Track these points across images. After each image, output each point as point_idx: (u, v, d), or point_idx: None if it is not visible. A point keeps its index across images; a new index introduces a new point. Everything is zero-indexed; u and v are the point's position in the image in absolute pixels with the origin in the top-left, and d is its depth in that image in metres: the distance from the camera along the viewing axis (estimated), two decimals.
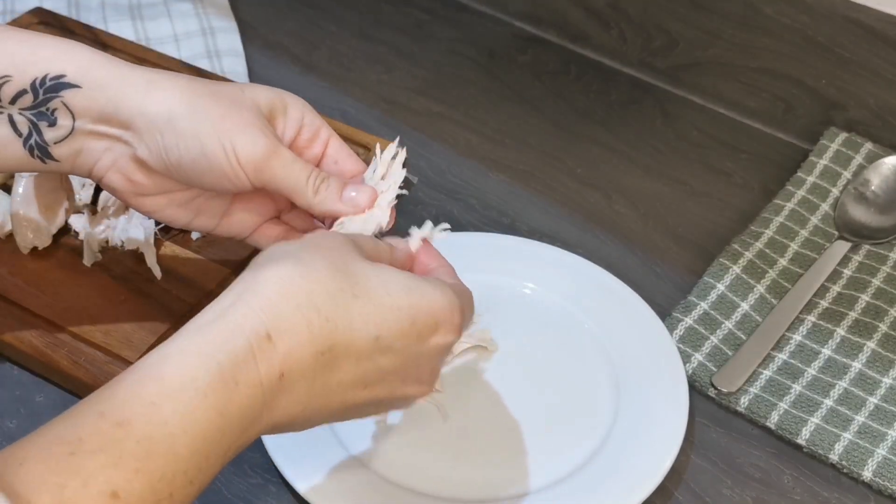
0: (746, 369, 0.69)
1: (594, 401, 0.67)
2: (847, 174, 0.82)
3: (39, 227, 0.72)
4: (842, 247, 0.77)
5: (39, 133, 0.57)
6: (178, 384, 0.45)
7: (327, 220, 0.61)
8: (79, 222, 0.73)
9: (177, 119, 0.56)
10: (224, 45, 0.94)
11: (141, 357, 0.65)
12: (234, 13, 0.99)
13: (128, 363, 0.66)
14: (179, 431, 0.45)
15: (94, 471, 0.43)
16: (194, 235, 0.74)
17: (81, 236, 0.73)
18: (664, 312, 0.73)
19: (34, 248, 0.73)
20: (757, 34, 0.86)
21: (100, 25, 0.94)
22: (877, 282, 0.75)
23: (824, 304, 0.74)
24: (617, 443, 0.64)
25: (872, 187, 0.81)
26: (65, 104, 0.57)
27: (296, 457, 0.63)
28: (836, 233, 0.79)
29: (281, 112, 0.61)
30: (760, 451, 0.67)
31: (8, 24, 0.91)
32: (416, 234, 0.58)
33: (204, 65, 0.91)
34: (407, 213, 0.80)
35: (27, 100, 0.57)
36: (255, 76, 0.93)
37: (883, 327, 0.72)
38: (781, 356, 0.70)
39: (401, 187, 0.61)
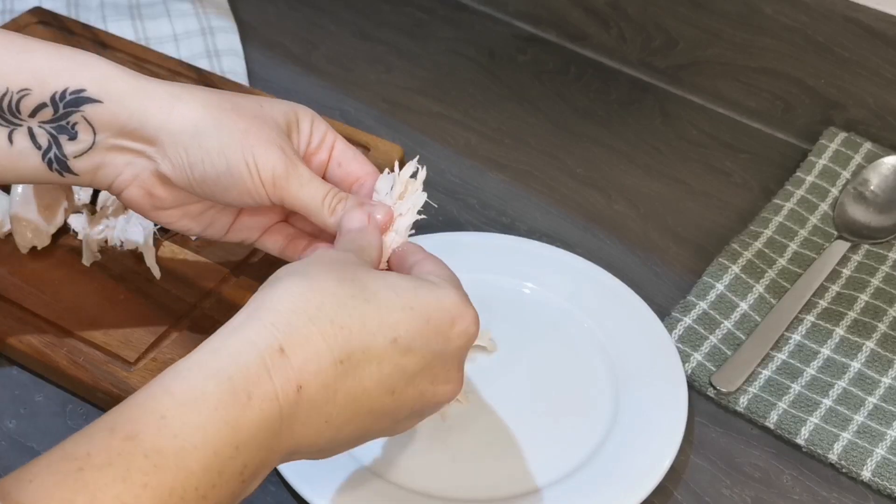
0: (746, 369, 0.69)
1: (593, 400, 0.67)
2: (846, 174, 0.82)
3: (38, 226, 0.72)
4: (841, 246, 0.77)
5: (59, 146, 0.57)
6: (188, 398, 0.45)
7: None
8: (78, 222, 0.73)
9: (202, 135, 0.56)
10: (223, 45, 0.94)
11: (141, 357, 0.66)
12: (234, 13, 0.99)
13: (127, 363, 0.66)
14: (190, 446, 0.44)
15: (102, 485, 0.42)
16: (194, 235, 0.74)
17: (80, 236, 0.73)
18: (663, 312, 0.73)
19: (33, 248, 0.73)
20: (756, 34, 0.86)
21: (99, 25, 0.94)
22: (876, 281, 0.75)
23: (823, 303, 0.74)
24: (616, 442, 0.64)
25: (872, 187, 0.81)
26: (85, 118, 0.56)
27: None
28: (836, 232, 0.79)
29: (295, 126, 0.61)
30: (760, 450, 0.67)
31: (7, 24, 0.91)
32: (402, 221, 0.58)
33: (203, 64, 0.91)
34: None
35: (47, 113, 0.56)
36: (254, 76, 0.93)
37: (882, 327, 0.72)
38: (781, 356, 0.70)
39: (419, 211, 0.60)
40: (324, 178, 0.61)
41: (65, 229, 0.74)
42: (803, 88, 0.86)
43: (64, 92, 0.56)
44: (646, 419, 0.65)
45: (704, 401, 0.69)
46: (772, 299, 0.74)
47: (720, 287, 0.74)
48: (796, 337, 0.71)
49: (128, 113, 0.56)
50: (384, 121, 0.89)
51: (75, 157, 0.57)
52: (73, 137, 0.57)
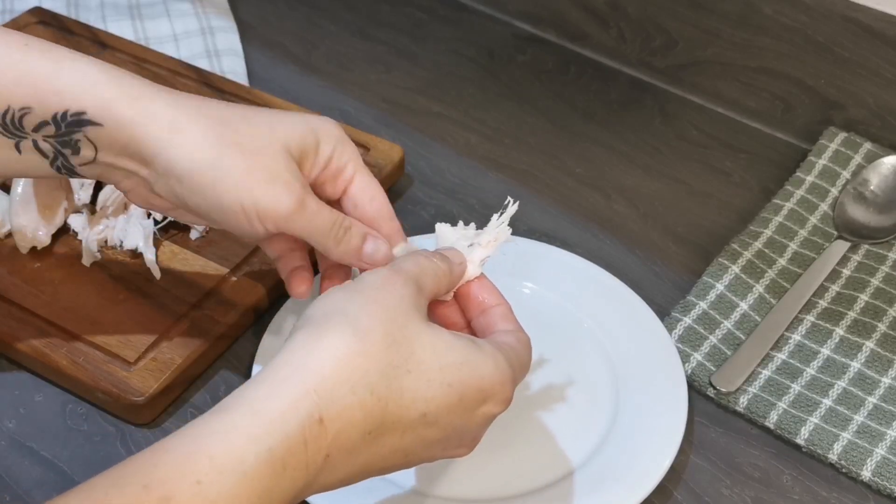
0: (745, 369, 0.69)
1: (593, 400, 0.67)
2: (846, 174, 0.82)
3: (38, 226, 0.72)
4: (841, 246, 0.77)
5: (65, 158, 0.57)
6: (225, 465, 0.45)
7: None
8: (78, 222, 0.73)
9: (196, 171, 0.54)
10: (223, 45, 0.94)
11: (141, 357, 0.66)
12: (234, 13, 0.99)
13: (127, 363, 0.66)
14: None
15: None
16: (193, 235, 0.74)
17: (80, 236, 0.73)
18: (663, 312, 0.73)
19: (33, 248, 0.73)
20: (756, 34, 0.86)
21: (99, 25, 0.94)
22: (876, 281, 0.75)
23: (823, 303, 0.74)
24: (616, 442, 0.64)
25: (871, 187, 0.81)
26: (87, 138, 0.56)
27: None
28: (836, 232, 0.79)
29: (312, 151, 0.58)
30: (759, 450, 0.67)
31: (7, 23, 0.91)
32: (479, 252, 0.58)
33: (203, 64, 0.91)
34: (406, 213, 0.80)
35: (50, 130, 0.56)
36: (254, 76, 0.93)
37: (882, 327, 0.72)
38: (780, 356, 0.70)
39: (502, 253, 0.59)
40: (336, 203, 0.60)
41: (65, 229, 0.74)
42: (803, 88, 0.86)
43: (65, 113, 0.55)
44: (646, 419, 0.65)
45: (704, 401, 0.69)
46: (772, 299, 0.74)
47: (720, 287, 0.74)
48: (796, 337, 0.72)
49: (127, 137, 0.55)
50: (384, 121, 0.89)
51: (81, 165, 0.57)
52: (76, 152, 0.56)
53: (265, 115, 0.58)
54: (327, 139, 0.59)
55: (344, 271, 0.62)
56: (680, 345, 0.70)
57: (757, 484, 0.65)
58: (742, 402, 0.68)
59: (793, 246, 0.78)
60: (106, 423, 0.66)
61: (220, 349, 0.70)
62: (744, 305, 0.73)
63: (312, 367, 0.48)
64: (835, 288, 0.75)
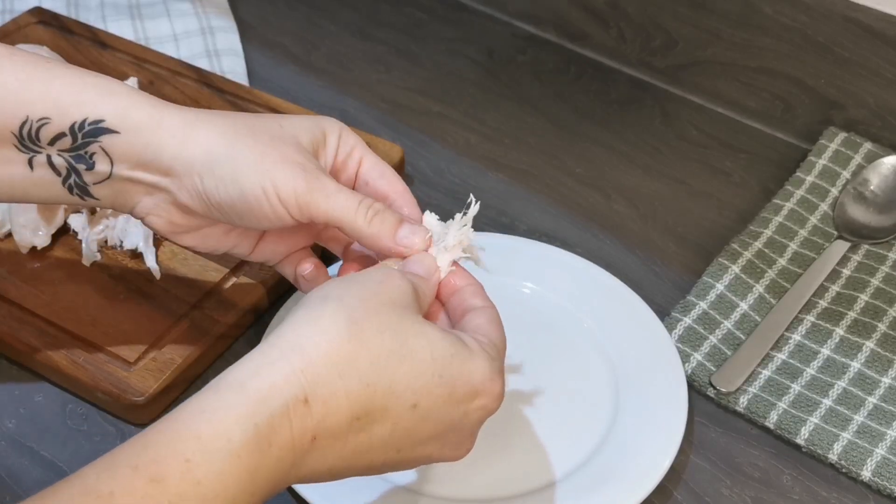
0: (745, 369, 0.69)
1: (593, 400, 0.67)
2: (846, 174, 0.82)
3: (38, 226, 0.72)
4: (841, 246, 0.77)
5: (78, 174, 0.57)
6: (213, 443, 0.45)
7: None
8: (78, 222, 0.73)
9: (215, 162, 0.55)
10: (223, 45, 0.94)
11: (141, 357, 0.66)
12: (234, 12, 0.99)
13: (127, 363, 0.66)
14: (212, 493, 0.44)
15: None
16: None
17: (80, 236, 0.73)
18: (663, 312, 0.73)
19: (33, 248, 0.73)
20: (756, 34, 0.86)
21: (99, 25, 0.94)
22: (876, 281, 0.75)
23: (823, 303, 0.74)
24: (616, 442, 0.64)
25: (871, 187, 0.81)
26: (103, 149, 0.56)
27: None
28: (836, 232, 0.79)
29: (322, 143, 0.59)
30: (759, 450, 0.67)
31: (7, 23, 0.91)
32: (447, 253, 0.57)
33: (203, 64, 0.91)
34: None
35: (66, 143, 0.56)
36: (254, 76, 0.93)
37: (882, 327, 0.72)
38: (780, 356, 0.70)
39: (467, 256, 0.59)
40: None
41: (65, 229, 0.74)
42: (803, 88, 0.86)
43: (83, 122, 0.55)
44: (646, 419, 0.65)
45: (704, 401, 0.69)
46: (772, 299, 0.74)
47: (720, 287, 0.74)
48: (796, 337, 0.72)
49: (144, 144, 0.56)
50: (384, 121, 0.89)
51: (95, 184, 0.57)
52: (90, 168, 0.56)
53: (275, 116, 0.60)
54: (331, 130, 0.60)
55: (364, 266, 0.62)
56: (680, 345, 0.70)
57: (757, 484, 0.65)
58: (742, 402, 0.68)
59: (793, 246, 0.78)
60: (106, 423, 0.66)
61: (220, 349, 0.70)
62: (744, 305, 0.73)
63: (302, 350, 0.48)
64: (835, 288, 0.75)
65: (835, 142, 0.84)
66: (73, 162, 0.56)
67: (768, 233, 0.78)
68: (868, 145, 0.84)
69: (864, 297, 0.74)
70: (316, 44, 0.97)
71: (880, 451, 0.65)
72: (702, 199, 0.83)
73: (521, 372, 0.69)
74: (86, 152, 0.56)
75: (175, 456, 0.44)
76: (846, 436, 0.66)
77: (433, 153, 0.86)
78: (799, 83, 0.86)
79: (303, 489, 0.61)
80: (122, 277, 0.72)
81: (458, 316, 0.57)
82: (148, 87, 0.85)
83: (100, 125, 0.55)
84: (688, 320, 0.72)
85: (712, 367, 0.69)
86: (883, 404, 0.67)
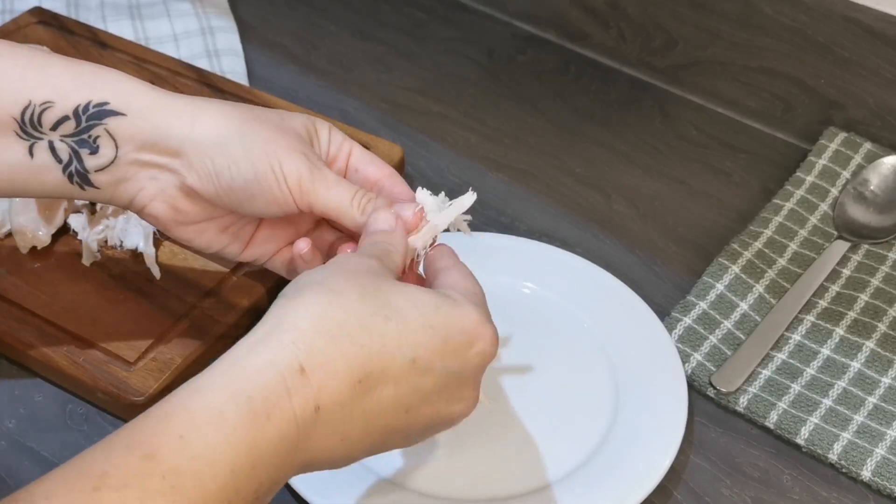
0: (745, 369, 0.69)
1: (593, 400, 0.67)
2: (846, 174, 0.82)
3: (38, 226, 0.72)
4: (841, 246, 0.77)
5: (80, 160, 0.57)
6: (207, 418, 0.45)
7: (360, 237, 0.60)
8: (78, 222, 0.73)
9: (228, 143, 0.56)
10: (223, 45, 0.94)
11: (141, 357, 0.66)
12: (234, 13, 0.99)
13: (127, 363, 0.66)
14: (207, 466, 0.44)
15: None
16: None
17: (80, 236, 0.73)
18: (663, 312, 0.73)
19: (33, 248, 0.73)
20: (756, 34, 0.86)
21: (99, 25, 0.94)
22: (876, 281, 0.75)
23: (823, 303, 0.74)
24: (616, 442, 0.64)
25: (871, 187, 0.81)
26: (108, 132, 0.56)
27: None
28: (836, 232, 0.79)
29: (315, 136, 0.61)
30: (759, 450, 0.67)
31: (7, 23, 0.91)
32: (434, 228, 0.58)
33: (203, 64, 0.91)
34: None
35: (69, 126, 0.56)
36: (254, 76, 0.93)
37: (882, 327, 0.72)
38: (780, 356, 0.70)
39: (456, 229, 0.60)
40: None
41: (65, 229, 0.74)
42: (803, 88, 0.86)
43: (87, 104, 0.56)
44: (646, 419, 0.65)
45: (704, 401, 0.69)
46: (772, 299, 0.74)
47: (720, 287, 0.74)
48: (796, 337, 0.72)
49: (151, 125, 0.56)
50: (384, 121, 0.89)
51: (97, 171, 0.57)
52: (94, 151, 0.57)
53: (271, 109, 0.61)
54: (322, 126, 0.62)
55: None
56: (680, 345, 0.70)
57: (757, 484, 0.65)
58: (742, 402, 0.68)
59: (793, 246, 0.78)
60: (106, 423, 0.66)
61: (220, 349, 0.70)
62: (744, 305, 0.73)
63: (288, 324, 0.48)
64: (835, 288, 0.75)
65: (835, 142, 0.84)
66: (75, 146, 0.56)
67: (768, 233, 0.78)
68: (868, 145, 0.84)
69: (864, 297, 0.74)
70: (316, 44, 0.97)
71: (880, 451, 0.65)
72: (702, 199, 0.83)
73: (521, 372, 0.69)
74: (90, 136, 0.56)
75: (168, 432, 0.44)
76: (846, 436, 0.66)
77: (433, 153, 0.86)
78: (799, 83, 0.86)
79: (304, 489, 0.61)
80: (122, 277, 0.72)
81: (430, 279, 0.57)
82: None
83: (105, 107, 0.56)
84: (688, 320, 0.72)
85: (712, 367, 0.69)
86: (883, 404, 0.67)
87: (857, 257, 0.77)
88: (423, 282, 0.59)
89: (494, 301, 0.72)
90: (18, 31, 0.90)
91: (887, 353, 0.70)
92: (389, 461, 0.63)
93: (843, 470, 0.65)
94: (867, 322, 0.72)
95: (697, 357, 0.70)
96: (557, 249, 0.76)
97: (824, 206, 0.81)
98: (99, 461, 0.43)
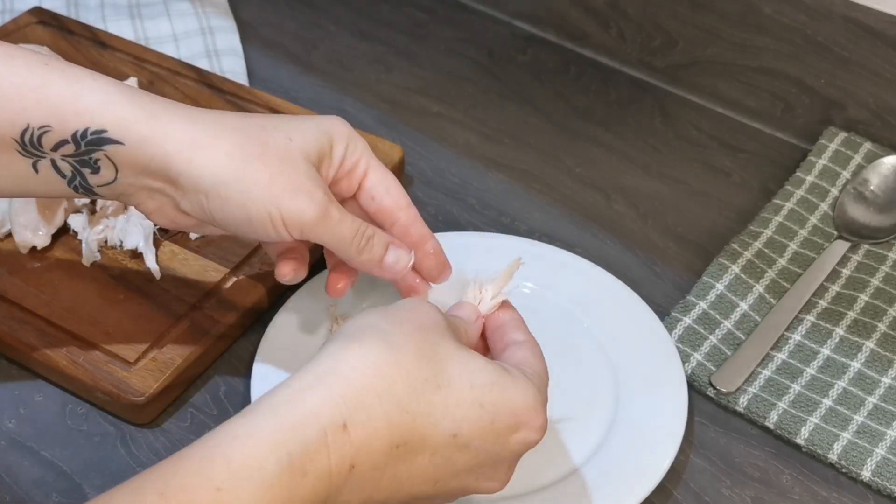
0: (745, 369, 0.69)
1: (593, 400, 0.67)
2: (846, 174, 0.82)
3: (38, 226, 0.72)
4: (841, 246, 0.77)
5: (83, 177, 0.56)
6: (245, 472, 0.44)
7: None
8: (77, 222, 0.73)
9: (222, 185, 0.55)
10: (223, 45, 0.94)
11: (141, 357, 0.66)
12: (234, 13, 0.99)
13: (127, 363, 0.66)
14: None
15: None
16: (193, 235, 0.74)
17: (80, 236, 0.73)
18: (663, 312, 0.73)
19: (33, 248, 0.73)
20: (756, 34, 0.86)
21: (99, 25, 0.94)
22: (876, 281, 0.75)
23: (823, 303, 0.74)
24: (616, 442, 0.64)
25: (871, 187, 0.81)
26: (108, 157, 0.55)
27: None
28: (836, 232, 0.79)
29: (327, 153, 0.59)
30: (759, 450, 0.67)
31: (7, 23, 0.91)
32: (488, 298, 0.59)
33: (203, 64, 0.91)
34: None
35: (69, 149, 0.55)
36: (254, 76, 0.93)
37: (882, 327, 0.72)
38: (780, 356, 0.70)
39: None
40: (353, 199, 0.61)
41: (65, 229, 0.74)
42: (803, 88, 0.86)
43: (85, 131, 0.55)
44: (646, 419, 0.65)
45: (704, 401, 0.69)
46: (772, 299, 0.74)
47: (720, 287, 0.74)
48: (796, 337, 0.72)
49: (149, 156, 0.55)
50: (384, 121, 0.89)
51: (99, 186, 0.57)
52: (95, 171, 0.56)
53: (282, 124, 0.58)
54: (340, 138, 0.60)
55: (349, 272, 0.64)
56: (680, 345, 0.70)
57: (757, 484, 0.65)
58: (742, 402, 0.68)
59: (793, 246, 0.78)
60: (106, 423, 0.66)
61: (220, 349, 0.70)
62: (744, 305, 0.73)
63: (339, 374, 0.48)
64: (835, 288, 0.75)
65: (835, 142, 0.84)
66: (77, 167, 0.56)
67: (768, 233, 0.78)
68: (868, 145, 0.84)
69: (864, 297, 0.74)
70: (316, 44, 0.97)
71: (880, 451, 0.65)
72: (702, 199, 0.83)
73: None
74: (90, 158, 0.56)
75: (204, 484, 0.43)
76: (846, 436, 0.66)
77: (433, 153, 0.86)
78: (799, 83, 0.86)
79: None
80: (122, 277, 0.72)
81: (498, 350, 0.57)
82: (148, 87, 0.85)
83: (103, 135, 0.55)
84: (688, 320, 0.72)
85: (712, 367, 0.69)
86: (883, 404, 0.67)
87: (857, 257, 0.77)
88: (485, 344, 0.58)
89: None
90: (18, 31, 0.90)
91: (887, 353, 0.70)
92: None
93: (843, 470, 0.65)
94: (867, 322, 0.72)
95: (697, 357, 0.70)
96: (557, 249, 0.76)
97: (824, 206, 0.81)
98: None
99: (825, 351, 0.71)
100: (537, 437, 0.52)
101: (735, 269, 0.75)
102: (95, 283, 0.72)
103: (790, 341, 0.71)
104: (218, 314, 0.70)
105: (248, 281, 0.72)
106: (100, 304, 0.70)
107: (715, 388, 0.68)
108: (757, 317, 0.73)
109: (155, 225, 0.73)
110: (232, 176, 0.55)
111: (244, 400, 0.67)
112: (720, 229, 0.80)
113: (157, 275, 0.71)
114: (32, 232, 0.72)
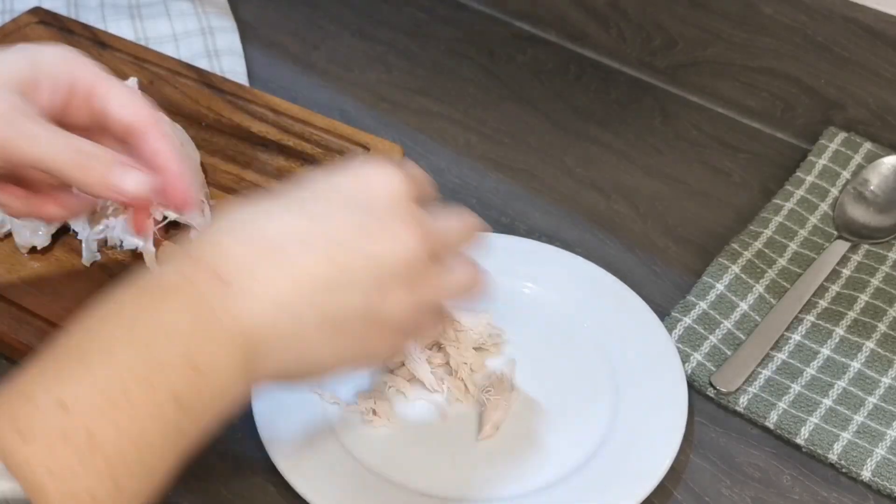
0: (745, 369, 0.69)
1: (593, 400, 0.67)
2: (846, 174, 0.82)
3: (38, 226, 0.72)
4: (841, 246, 0.77)
5: None
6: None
7: None
8: (77, 222, 0.73)
9: None
10: (223, 45, 0.94)
11: None
12: (234, 12, 0.99)
13: None
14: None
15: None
16: (193, 235, 0.74)
17: (80, 236, 0.73)
18: (663, 312, 0.73)
19: (33, 248, 0.73)
20: (756, 34, 0.86)
21: (99, 25, 0.94)
22: (876, 281, 0.75)
23: (823, 303, 0.74)
24: (616, 442, 0.64)
25: (871, 187, 0.81)
26: None
27: (295, 456, 0.63)
28: (836, 232, 0.79)
29: (35, 80, 0.56)
30: (759, 450, 0.67)
31: (7, 23, 0.91)
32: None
33: (203, 64, 0.91)
34: None
35: None
36: (254, 76, 0.93)
37: (882, 327, 0.72)
38: (780, 356, 0.70)
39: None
40: (106, 132, 0.58)
41: (65, 229, 0.74)
42: (803, 88, 0.86)
43: None
44: (646, 419, 0.65)
45: (704, 401, 0.69)
46: (772, 299, 0.74)
47: (720, 287, 0.74)
48: (796, 337, 0.72)
49: None
50: (384, 121, 0.89)
51: None
52: None
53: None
54: (52, 64, 0.57)
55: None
56: (680, 345, 0.70)
57: (757, 484, 0.65)
58: (742, 402, 0.68)
59: (793, 246, 0.78)
60: None
61: None
62: (744, 305, 0.73)
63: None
64: (835, 288, 0.75)
65: (835, 142, 0.84)
66: None
67: (768, 233, 0.78)
68: (868, 145, 0.84)
69: (864, 297, 0.74)
70: (316, 44, 0.97)
71: (880, 451, 0.65)
72: (702, 199, 0.83)
73: (521, 372, 0.69)
74: None
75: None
76: (846, 436, 0.66)
77: (433, 153, 0.86)
78: (799, 83, 0.86)
79: (304, 489, 0.61)
80: (122, 277, 0.72)
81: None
82: (148, 86, 0.85)
83: None
84: (688, 320, 0.72)
85: (712, 367, 0.69)
86: (883, 404, 0.67)
87: (857, 257, 0.77)
88: None
89: (494, 302, 0.72)
90: (18, 31, 0.90)
91: (887, 353, 0.70)
92: (392, 463, 0.63)
93: (843, 470, 0.65)
94: (867, 322, 0.72)
95: (697, 357, 0.70)
96: (557, 249, 0.76)
97: (824, 206, 0.81)
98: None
99: (825, 351, 0.71)
100: (391, 176, 0.51)
101: (735, 269, 0.75)
102: (96, 283, 0.72)
103: (790, 341, 0.71)
104: None
105: None
106: None
107: (715, 388, 0.68)
108: (757, 317, 0.73)
109: (155, 225, 0.73)
110: None
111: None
112: (720, 229, 0.80)
113: None
114: (32, 232, 0.72)
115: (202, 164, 0.78)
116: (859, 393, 0.68)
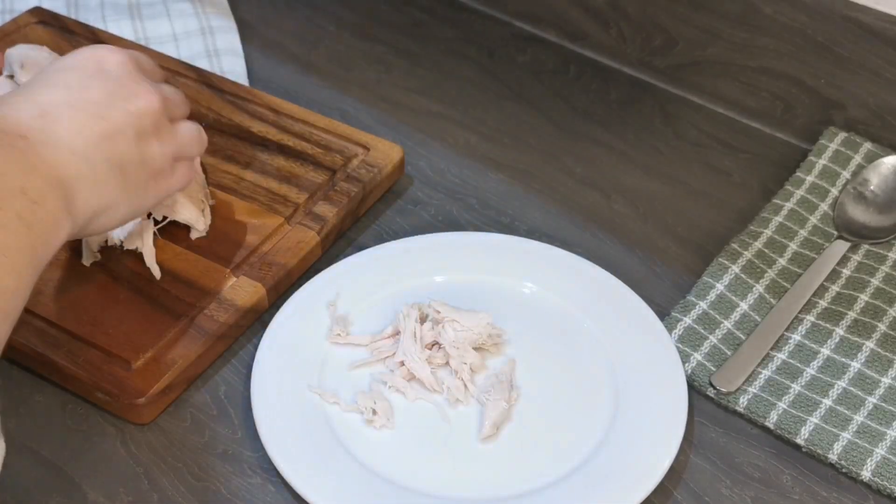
0: (745, 369, 0.69)
1: (593, 400, 0.67)
2: (846, 174, 0.82)
3: None
4: (841, 246, 0.77)
5: None
6: None
7: None
8: None
9: None
10: (223, 45, 0.94)
11: (141, 357, 0.66)
12: (234, 12, 0.99)
13: (127, 363, 0.66)
14: None
15: None
16: (194, 235, 0.74)
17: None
18: (663, 312, 0.73)
19: None
20: (756, 34, 0.86)
21: (99, 25, 0.94)
22: (876, 281, 0.75)
23: (823, 303, 0.74)
24: (616, 442, 0.64)
25: (871, 187, 0.81)
26: None
27: (295, 456, 0.63)
28: (836, 232, 0.79)
29: None
30: (759, 450, 0.67)
31: (7, 23, 0.91)
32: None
33: (203, 64, 0.91)
34: (406, 213, 0.80)
35: None
36: (254, 76, 0.93)
37: (882, 327, 0.72)
38: (780, 356, 0.70)
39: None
40: None
41: None
42: (803, 88, 0.86)
43: None
44: (646, 419, 0.65)
45: (704, 401, 0.69)
46: (772, 299, 0.74)
47: (720, 287, 0.74)
48: (796, 337, 0.72)
49: None
50: (384, 121, 0.89)
51: None
52: None
53: None
54: None
55: None
56: (680, 345, 0.70)
57: (757, 484, 0.65)
58: (742, 402, 0.68)
59: (793, 246, 0.78)
60: (106, 423, 0.67)
61: (220, 349, 0.70)
62: (744, 305, 0.73)
63: None
64: (835, 288, 0.75)
65: (835, 142, 0.84)
66: None
67: (768, 233, 0.78)
68: (868, 145, 0.84)
69: (864, 297, 0.74)
70: (316, 44, 0.97)
71: (880, 451, 0.65)
72: (702, 199, 0.83)
73: (521, 372, 0.69)
74: None
75: None
76: (846, 436, 0.66)
77: (433, 153, 0.86)
78: (799, 83, 0.86)
79: (303, 489, 0.61)
80: (121, 277, 0.72)
81: None
82: None
83: None
84: (688, 320, 0.72)
85: (712, 367, 0.69)
86: (883, 404, 0.67)
87: (857, 257, 0.77)
88: None
89: (494, 302, 0.72)
90: (18, 31, 0.90)
91: (887, 353, 0.70)
92: (392, 463, 0.63)
93: (843, 470, 0.65)
94: (867, 322, 0.72)
95: (697, 357, 0.70)
96: (557, 249, 0.76)
97: (824, 206, 0.81)
98: None
99: (825, 351, 0.71)
100: (110, 51, 0.61)
101: (735, 269, 0.75)
102: (95, 283, 0.72)
103: (790, 341, 0.71)
104: (218, 314, 0.70)
105: (248, 281, 0.72)
106: (99, 303, 0.70)
107: (715, 388, 0.68)
108: (757, 317, 0.73)
109: (155, 225, 0.73)
110: None
111: (244, 400, 0.68)
112: (720, 229, 0.80)
113: (157, 275, 0.71)
114: None
115: (202, 164, 0.78)
116: (859, 393, 0.68)
